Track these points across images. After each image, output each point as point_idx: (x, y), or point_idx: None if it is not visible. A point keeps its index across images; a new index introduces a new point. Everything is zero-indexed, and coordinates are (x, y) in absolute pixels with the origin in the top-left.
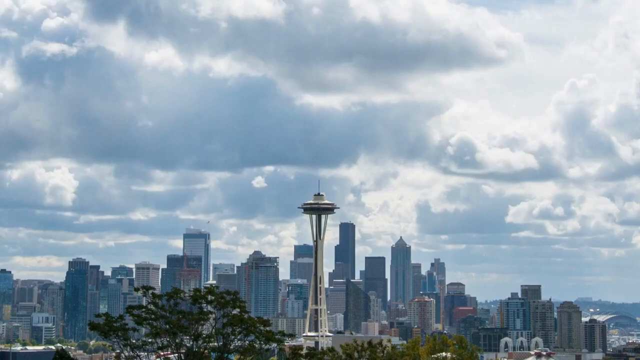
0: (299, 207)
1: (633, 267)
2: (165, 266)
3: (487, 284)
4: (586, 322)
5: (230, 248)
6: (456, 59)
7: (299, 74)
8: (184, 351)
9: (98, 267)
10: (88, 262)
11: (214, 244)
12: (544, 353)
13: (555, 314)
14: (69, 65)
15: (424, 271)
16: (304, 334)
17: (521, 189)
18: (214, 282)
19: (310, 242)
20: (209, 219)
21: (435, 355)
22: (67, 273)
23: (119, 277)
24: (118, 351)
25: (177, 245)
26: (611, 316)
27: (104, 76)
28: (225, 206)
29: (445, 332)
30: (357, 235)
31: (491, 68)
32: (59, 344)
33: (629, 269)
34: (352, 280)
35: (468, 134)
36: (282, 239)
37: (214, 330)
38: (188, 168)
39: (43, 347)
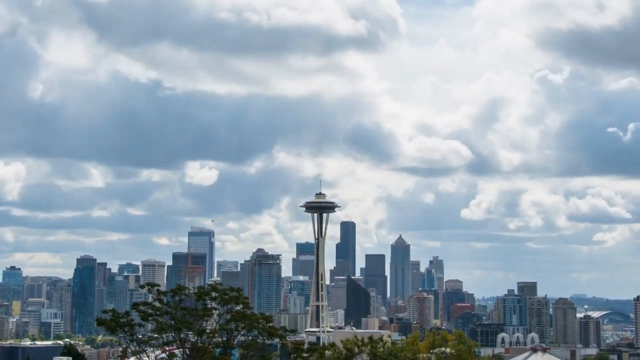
0: (301, 206)
1: (610, 264)
2: (170, 263)
3: (472, 281)
4: (581, 318)
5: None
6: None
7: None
8: (188, 346)
9: (105, 264)
10: (95, 260)
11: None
12: (540, 348)
13: (551, 310)
14: None
15: (422, 268)
16: (306, 330)
17: (464, 183)
18: (218, 279)
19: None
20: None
21: (434, 351)
22: (75, 270)
23: (126, 274)
24: (124, 346)
25: (161, 242)
26: (605, 312)
27: None
28: (184, 202)
29: (443, 327)
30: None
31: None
32: (67, 339)
33: (607, 266)
34: (352, 277)
35: (389, 126)
36: (261, 236)
37: (217, 325)
38: (121, 164)
39: (52, 342)
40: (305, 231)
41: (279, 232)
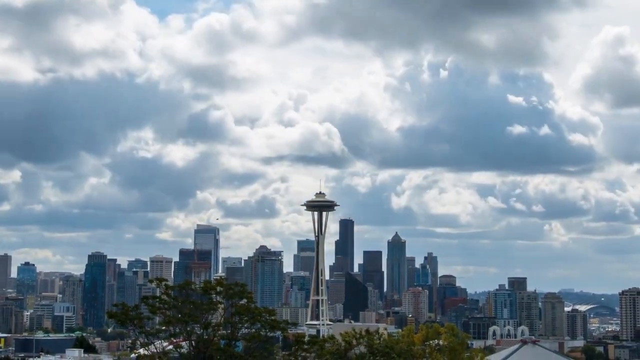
0: (301, 205)
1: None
2: (177, 259)
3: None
4: (568, 312)
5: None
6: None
7: None
8: (194, 338)
9: (115, 260)
10: (106, 256)
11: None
12: (530, 340)
13: (540, 304)
14: None
15: (417, 264)
16: (306, 323)
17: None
18: (223, 274)
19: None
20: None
21: (428, 343)
22: (87, 266)
23: (135, 269)
24: (134, 338)
25: (131, 239)
26: (592, 306)
27: None
28: (123, 197)
29: (437, 320)
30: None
31: None
32: (78, 332)
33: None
34: (351, 273)
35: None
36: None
37: (222, 319)
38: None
39: (64, 334)
40: (255, 226)
41: (237, 225)
